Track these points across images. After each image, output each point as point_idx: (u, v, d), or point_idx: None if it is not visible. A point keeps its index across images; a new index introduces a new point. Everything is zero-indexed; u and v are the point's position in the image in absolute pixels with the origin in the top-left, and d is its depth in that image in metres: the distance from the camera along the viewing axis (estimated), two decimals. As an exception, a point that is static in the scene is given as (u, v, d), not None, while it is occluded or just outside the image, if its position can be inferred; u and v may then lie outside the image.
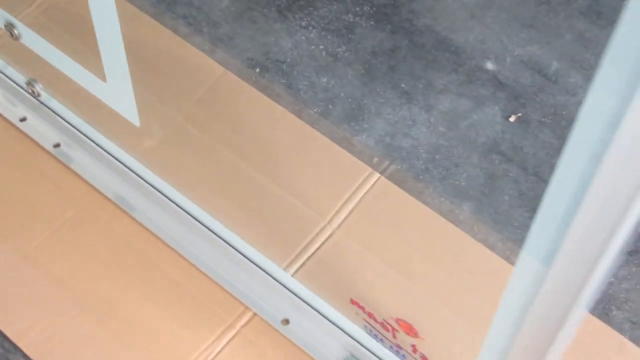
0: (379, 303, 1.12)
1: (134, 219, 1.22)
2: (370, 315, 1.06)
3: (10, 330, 1.14)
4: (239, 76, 1.36)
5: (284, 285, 1.17)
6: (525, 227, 1.26)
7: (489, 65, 1.43)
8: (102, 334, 1.14)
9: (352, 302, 1.09)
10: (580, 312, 0.57)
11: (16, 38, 1.16)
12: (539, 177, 1.31)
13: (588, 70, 1.42)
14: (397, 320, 1.03)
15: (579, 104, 1.35)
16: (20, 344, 1.12)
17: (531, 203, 1.29)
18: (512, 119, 1.37)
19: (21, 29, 1.15)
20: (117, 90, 1.07)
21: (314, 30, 1.45)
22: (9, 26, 1.15)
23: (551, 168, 1.25)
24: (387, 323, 1.05)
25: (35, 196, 1.25)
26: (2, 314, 1.15)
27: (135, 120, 1.11)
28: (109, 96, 1.10)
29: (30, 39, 1.15)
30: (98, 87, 1.10)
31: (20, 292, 1.17)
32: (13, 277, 1.17)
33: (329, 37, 1.44)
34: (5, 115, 1.31)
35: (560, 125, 1.36)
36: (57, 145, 1.28)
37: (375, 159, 1.29)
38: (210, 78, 1.36)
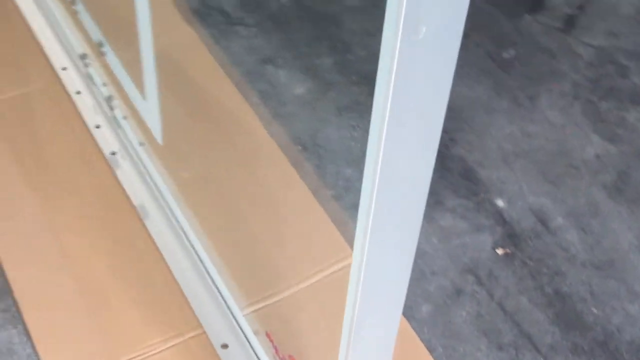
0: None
1: (143, 223, 1.45)
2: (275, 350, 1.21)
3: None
4: (279, 146, 1.58)
5: (234, 318, 1.34)
6: (472, 344, 1.36)
7: (500, 202, 1.55)
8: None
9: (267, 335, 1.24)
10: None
11: (102, 55, 1.45)
12: (501, 307, 1.41)
13: (587, 235, 1.51)
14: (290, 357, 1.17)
15: (568, 259, 1.45)
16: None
17: (483, 326, 1.38)
18: (499, 251, 1.49)
19: (107, 47, 1.44)
20: (149, 108, 1.32)
21: (359, 130, 1.65)
22: (99, 44, 1.44)
23: (517, 305, 1.36)
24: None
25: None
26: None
27: (159, 138, 1.34)
28: (145, 112, 1.35)
29: (110, 57, 1.44)
30: (139, 103, 1.35)
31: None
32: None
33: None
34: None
35: (541, 271, 1.46)
36: (113, 154, 1.55)
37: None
38: (251, 138, 1.58)
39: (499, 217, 1.53)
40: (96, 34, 1.50)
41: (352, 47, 1.81)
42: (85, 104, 1.61)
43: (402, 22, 0.58)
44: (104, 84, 1.59)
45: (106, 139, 1.56)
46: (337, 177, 1.58)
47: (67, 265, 1.40)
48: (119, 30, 1.48)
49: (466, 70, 1.77)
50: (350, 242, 1.46)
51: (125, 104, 1.52)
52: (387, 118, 0.63)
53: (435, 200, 1.55)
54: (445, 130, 1.50)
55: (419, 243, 1.39)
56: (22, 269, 1.38)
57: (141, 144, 1.51)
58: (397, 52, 0.60)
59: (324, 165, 1.59)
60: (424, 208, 0.79)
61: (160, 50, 1.67)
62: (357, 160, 1.60)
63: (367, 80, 1.73)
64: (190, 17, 1.80)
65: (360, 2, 1.92)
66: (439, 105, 0.67)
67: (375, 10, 1.89)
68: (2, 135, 1.56)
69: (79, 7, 1.59)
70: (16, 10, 1.78)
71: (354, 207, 1.51)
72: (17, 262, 1.39)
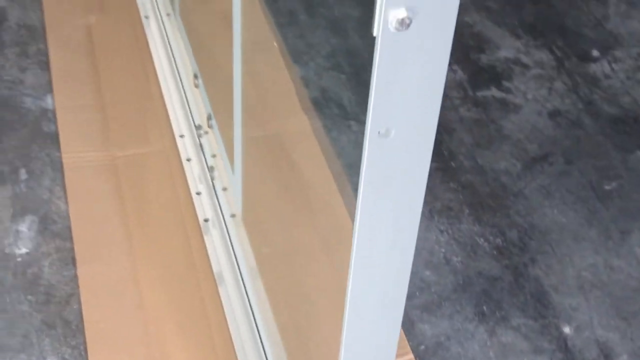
0: None
1: (217, 289, 1.55)
2: None
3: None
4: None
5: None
6: None
7: (566, 329, 1.54)
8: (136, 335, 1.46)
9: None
10: None
11: (210, 127, 1.58)
12: None
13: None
14: None
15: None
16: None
17: None
18: (555, 377, 1.47)
19: (213, 121, 1.57)
20: (236, 182, 1.43)
21: (446, 236, 1.69)
22: (208, 117, 1.58)
23: None
24: None
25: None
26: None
27: (240, 211, 1.45)
28: (232, 185, 1.46)
29: (215, 131, 1.57)
30: (230, 177, 1.47)
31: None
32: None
33: (453, 245, 1.67)
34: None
35: (594, 404, 1.43)
36: (206, 220, 1.67)
37: (422, 346, 1.48)
38: (335, 226, 1.66)
39: (562, 344, 1.52)
40: (208, 107, 1.64)
41: (457, 156, 1.86)
42: (193, 171, 1.74)
43: (370, 124, 0.65)
44: (212, 155, 1.73)
45: (203, 206, 1.68)
46: (413, 276, 1.63)
47: (140, 315, 1.51)
48: (223, 107, 1.62)
49: (563, 195, 1.79)
50: (413, 341, 1.50)
51: (224, 176, 1.65)
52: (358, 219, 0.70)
53: (501, 315, 1.56)
54: (526, 250, 1.54)
55: (475, 354, 1.42)
56: (99, 311, 1.51)
57: (232, 215, 1.62)
58: (366, 150, 0.67)
59: (400, 263, 1.64)
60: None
61: (271, 132, 1.80)
62: (437, 264, 1.64)
63: (465, 189, 1.78)
64: (308, 105, 1.92)
65: (475, 114, 1.98)
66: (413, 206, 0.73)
67: (490, 123, 1.95)
68: (115, 186, 1.72)
69: (199, 82, 1.74)
70: (154, 73, 1.97)
71: (424, 308, 1.55)
72: (95, 302, 1.52)
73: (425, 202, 1.74)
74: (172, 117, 1.86)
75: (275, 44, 2.08)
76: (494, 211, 1.74)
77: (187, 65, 1.92)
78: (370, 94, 0.62)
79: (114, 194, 1.71)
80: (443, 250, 1.67)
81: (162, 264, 1.60)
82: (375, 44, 0.59)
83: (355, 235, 0.73)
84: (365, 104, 0.62)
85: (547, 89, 2.07)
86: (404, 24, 0.57)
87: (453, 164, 1.83)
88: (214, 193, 1.68)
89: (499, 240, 1.70)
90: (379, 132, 0.63)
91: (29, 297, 1.53)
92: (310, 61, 2.04)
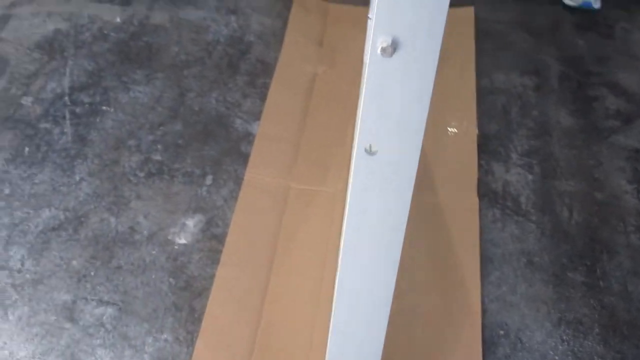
0: None
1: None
2: None
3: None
4: (481, 326, 1.67)
5: None
6: None
7: None
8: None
9: None
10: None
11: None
12: None
13: None
14: None
15: None
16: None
17: None
18: None
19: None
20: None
21: (566, 345, 1.67)
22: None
23: None
24: None
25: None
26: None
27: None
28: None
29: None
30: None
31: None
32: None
33: (570, 357, 1.65)
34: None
35: None
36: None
37: None
38: (462, 322, 1.70)
39: None
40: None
41: (609, 278, 1.82)
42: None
43: (357, 140, 0.74)
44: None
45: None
46: None
47: (254, 321, 1.65)
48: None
49: None
50: None
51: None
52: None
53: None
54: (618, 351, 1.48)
55: None
56: (221, 308, 1.67)
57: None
58: (354, 165, 0.76)
59: (515, 356, 1.64)
60: None
61: (440, 200, 1.89)
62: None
63: (604, 309, 1.74)
64: (479, 197, 1.98)
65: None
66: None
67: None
68: (279, 212, 1.88)
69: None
70: (353, 125, 2.13)
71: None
72: (221, 301, 1.68)
73: (558, 310, 1.74)
74: (352, 167, 2.00)
75: (476, 130, 2.17)
76: (625, 339, 1.69)
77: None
78: (358, 113, 0.71)
79: (275, 217, 1.87)
80: (557, 358, 1.65)
81: (292, 286, 1.73)
82: (365, 69, 0.69)
83: (342, 243, 0.81)
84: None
85: None
86: (387, 52, 0.66)
87: (601, 284, 1.79)
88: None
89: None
90: (365, 149, 0.72)
91: (171, 279, 1.71)
92: (502, 153, 2.09)
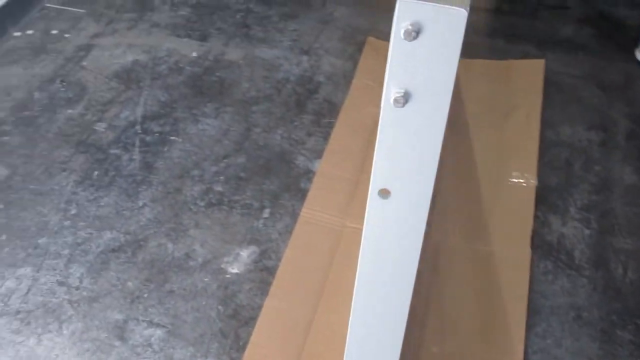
0: None
1: None
2: None
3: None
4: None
5: None
6: None
7: None
8: None
9: None
10: None
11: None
12: None
13: None
14: None
15: None
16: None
17: None
18: None
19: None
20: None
21: None
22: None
23: None
24: None
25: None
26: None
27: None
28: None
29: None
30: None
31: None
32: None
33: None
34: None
35: None
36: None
37: None
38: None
39: None
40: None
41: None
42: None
43: (372, 183, 0.77)
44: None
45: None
46: None
47: (296, 354, 1.68)
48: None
49: None
50: None
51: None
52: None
53: None
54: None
55: None
56: (265, 338, 1.70)
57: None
58: (368, 207, 0.79)
59: None
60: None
61: (493, 248, 1.91)
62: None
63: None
64: (532, 248, 1.98)
65: None
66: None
67: None
68: (331, 249, 1.91)
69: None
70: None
71: None
72: (266, 330, 1.72)
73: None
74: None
75: (536, 181, 2.17)
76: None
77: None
78: (374, 157, 0.75)
79: (327, 254, 1.90)
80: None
81: (336, 324, 1.76)
82: (381, 116, 0.73)
83: (358, 279, 0.84)
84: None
85: None
86: (399, 102, 0.70)
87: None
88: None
89: None
90: (378, 192, 0.76)
91: (220, 307, 1.77)
92: (561, 206, 2.09)
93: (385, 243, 0.80)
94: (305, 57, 2.58)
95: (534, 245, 1.96)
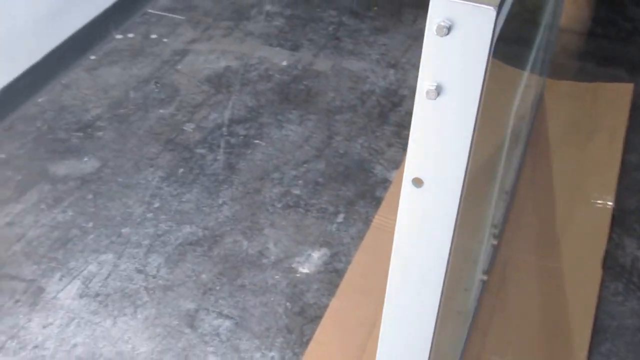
0: None
1: None
2: None
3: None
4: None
5: None
6: None
7: None
8: None
9: None
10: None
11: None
12: None
13: None
14: None
15: None
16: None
17: None
18: None
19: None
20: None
21: None
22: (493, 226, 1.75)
23: None
24: None
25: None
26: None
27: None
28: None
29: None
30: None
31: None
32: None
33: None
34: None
35: None
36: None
37: None
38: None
39: None
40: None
41: None
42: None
43: (406, 172, 0.82)
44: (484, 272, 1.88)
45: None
46: None
47: (356, 353, 1.72)
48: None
49: None
50: None
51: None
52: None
53: None
54: None
55: None
56: (328, 336, 1.75)
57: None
58: (402, 197, 0.83)
59: None
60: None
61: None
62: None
63: None
64: (603, 269, 1.96)
65: None
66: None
67: None
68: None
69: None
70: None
71: None
72: (330, 329, 1.77)
73: None
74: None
75: (613, 203, 2.16)
76: None
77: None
78: (408, 147, 0.80)
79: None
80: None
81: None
82: (414, 107, 0.77)
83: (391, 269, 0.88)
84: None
85: None
86: (431, 95, 0.75)
87: None
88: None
89: None
90: (412, 180, 0.80)
91: (288, 304, 1.83)
92: (637, 229, 2.07)
93: (418, 230, 0.84)
94: (392, 71, 2.63)
95: (606, 266, 1.95)
